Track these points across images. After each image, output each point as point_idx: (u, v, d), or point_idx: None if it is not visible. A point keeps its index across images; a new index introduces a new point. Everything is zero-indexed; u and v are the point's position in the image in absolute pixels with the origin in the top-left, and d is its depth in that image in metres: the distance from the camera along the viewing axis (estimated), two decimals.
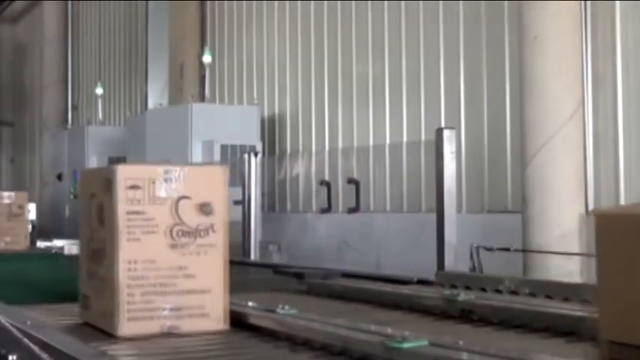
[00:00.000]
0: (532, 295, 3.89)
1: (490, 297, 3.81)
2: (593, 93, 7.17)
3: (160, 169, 2.96)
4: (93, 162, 13.49)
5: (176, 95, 13.03)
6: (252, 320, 3.06)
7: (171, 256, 2.94)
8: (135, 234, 2.90)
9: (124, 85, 16.62)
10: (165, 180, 2.94)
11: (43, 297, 4.42)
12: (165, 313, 2.92)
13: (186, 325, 2.95)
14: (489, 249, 5.47)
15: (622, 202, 6.92)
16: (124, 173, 2.93)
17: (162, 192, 2.94)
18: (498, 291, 4.05)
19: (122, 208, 2.90)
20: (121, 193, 2.90)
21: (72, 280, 5.62)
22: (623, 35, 7.00)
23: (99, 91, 15.31)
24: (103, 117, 15.33)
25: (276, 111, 11.69)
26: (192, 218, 2.96)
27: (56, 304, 4.01)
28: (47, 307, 3.88)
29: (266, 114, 11.72)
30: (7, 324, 2.95)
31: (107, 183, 2.97)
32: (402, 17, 9.44)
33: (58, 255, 8.35)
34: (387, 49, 9.66)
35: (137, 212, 2.91)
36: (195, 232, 2.96)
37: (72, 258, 8.18)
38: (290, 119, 11.45)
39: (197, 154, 10.73)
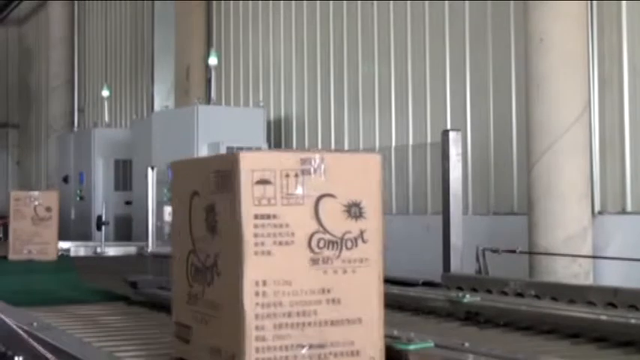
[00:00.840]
0: (538, 297, 3.89)
1: (496, 299, 3.81)
2: (599, 95, 7.16)
3: (295, 157, 2.21)
4: (99, 164, 13.49)
5: (182, 97, 13.03)
6: None
7: (312, 274, 2.18)
8: (264, 245, 2.14)
9: (130, 88, 16.64)
10: (303, 172, 2.19)
11: (50, 298, 4.43)
12: (304, 352, 2.18)
13: None
14: (495, 251, 5.46)
15: (629, 203, 6.91)
16: (250, 164, 2.16)
17: (298, 188, 2.18)
18: (504, 293, 4.05)
19: (248, 210, 2.13)
20: (246, 191, 2.13)
21: (77, 281, 5.64)
22: (630, 37, 6.98)
23: (105, 93, 15.32)
24: (109, 119, 15.35)
25: (282, 113, 11.70)
26: (337, 223, 2.22)
27: (62, 305, 4.02)
28: (54, 308, 3.89)
29: (272, 116, 11.72)
30: (13, 326, 2.95)
31: (223, 177, 2.21)
32: (407, 19, 9.44)
33: (64, 257, 8.37)
34: (392, 51, 9.66)
35: (267, 216, 2.15)
36: (341, 243, 2.21)
37: (78, 260, 8.20)
38: (296, 121, 11.45)
39: (203, 156, 10.74)
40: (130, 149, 12.55)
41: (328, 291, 2.20)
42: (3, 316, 3.10)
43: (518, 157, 7.79)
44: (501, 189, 8.06)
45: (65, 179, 14.59)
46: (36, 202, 7.25)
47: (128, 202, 12.54)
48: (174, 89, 13.65)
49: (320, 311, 2.19)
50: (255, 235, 2.14)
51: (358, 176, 2.25)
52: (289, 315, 2.17)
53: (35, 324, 3.05)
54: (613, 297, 3.54)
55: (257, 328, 2.13)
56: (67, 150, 14.74)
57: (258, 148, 10.15)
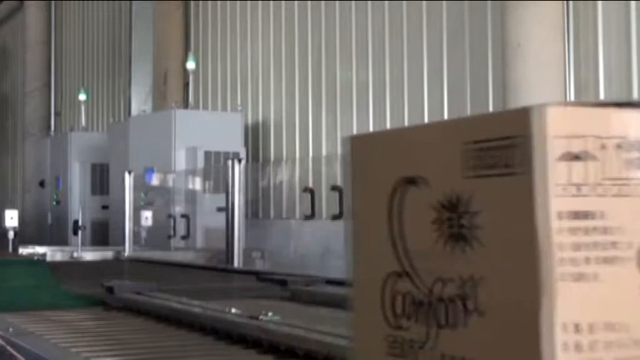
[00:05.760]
0: None
1: None
2: (575, 99, 7.20)
3: (630, 116, 1.02)
4: (75, 168, 13.43)
5: (159, 101, 13.00)
6: (236, 328, 3.06)
7: None
8: (584, 265, 1.03)
9: (107, 92, 16.58)
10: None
11: (26, 303, 4.40)
12: None
13: None
14: None
15: None
16: (555, 127, 0.99)
17: (635, 170, 1.04)
18: None
19: (549, 205, 1.02)
20: (550, 172, 1.00)
21: (55, 285, 5.60)
22: (606, 42, 7.04)
23: (82, 97, 15.26)
24: (85, 123, 15.29)
25: (260, 117, 11.69)
26: None
27: (39, 310, 3.99)
28: (30, 313, 3.86)
29: (250, 120, 11.71)
30: None
31: (492, 150, 1.04)
32: (385, 23, 9.47)
33: (40, 261, 8.32)
34: (370, 55, 9.68)
35: (585, 215, 1.04)
36: None
37: (54, 264, 8.15)
38: (274, 126, 11.45)
39: (180, 160, 10.72)
40: (107, 153, 12.50)
41: None
42: None
43: None
44: None
45: (41, 183, 14.52)
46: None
47: (105, 207, 12.50)
48: (152, 93, 13.62)
49: None
50: (564, 248, 1.04)
51: None
52: None
53: (11, 330, 3.03)
54: None
55: None
56: (43, 154, 14.67)
57: (236, 153, 10.12)
